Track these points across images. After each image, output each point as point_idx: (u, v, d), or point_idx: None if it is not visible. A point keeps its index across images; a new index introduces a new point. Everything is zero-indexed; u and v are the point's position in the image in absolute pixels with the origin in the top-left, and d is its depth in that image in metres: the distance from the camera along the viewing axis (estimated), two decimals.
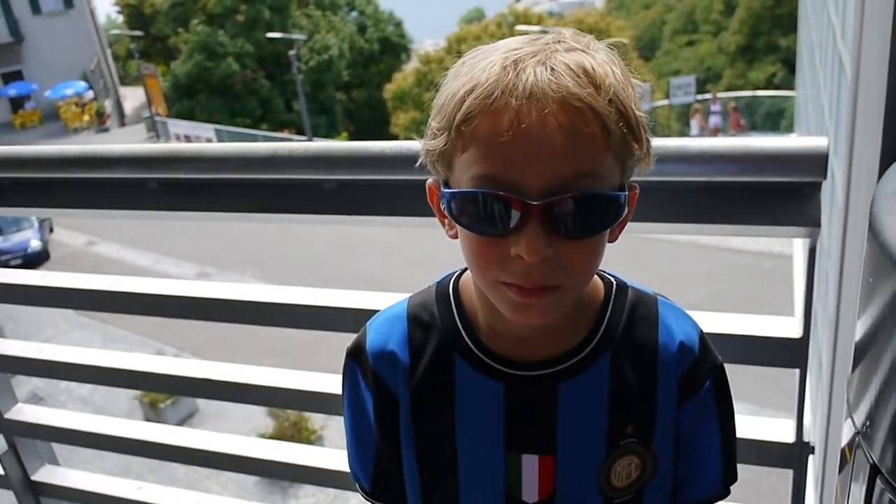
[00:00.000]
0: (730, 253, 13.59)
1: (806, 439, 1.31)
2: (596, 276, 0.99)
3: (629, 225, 1.16)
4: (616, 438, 0.97)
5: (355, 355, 1.04)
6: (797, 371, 1.26)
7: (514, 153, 0.80)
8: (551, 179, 0.80)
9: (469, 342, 0.97)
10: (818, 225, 1.09)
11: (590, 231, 0.83)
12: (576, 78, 0.80)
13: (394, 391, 1.01)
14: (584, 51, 0.85)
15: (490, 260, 0.85)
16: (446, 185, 0.89)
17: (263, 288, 1.57)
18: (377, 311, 1.07)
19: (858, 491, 0.88)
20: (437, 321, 1.00)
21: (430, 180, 0.94)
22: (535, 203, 0.80)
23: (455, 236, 0.91)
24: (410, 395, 1.00)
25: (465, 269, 1.01)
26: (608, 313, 0.98)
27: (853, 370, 0.90)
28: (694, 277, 12.86)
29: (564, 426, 0.96)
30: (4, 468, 2.03)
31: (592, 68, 0.82)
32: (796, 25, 23.08)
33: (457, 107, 0.83)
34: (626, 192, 0.86)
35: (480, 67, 0.83)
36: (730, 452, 1.04)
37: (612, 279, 1.01)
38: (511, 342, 0.96)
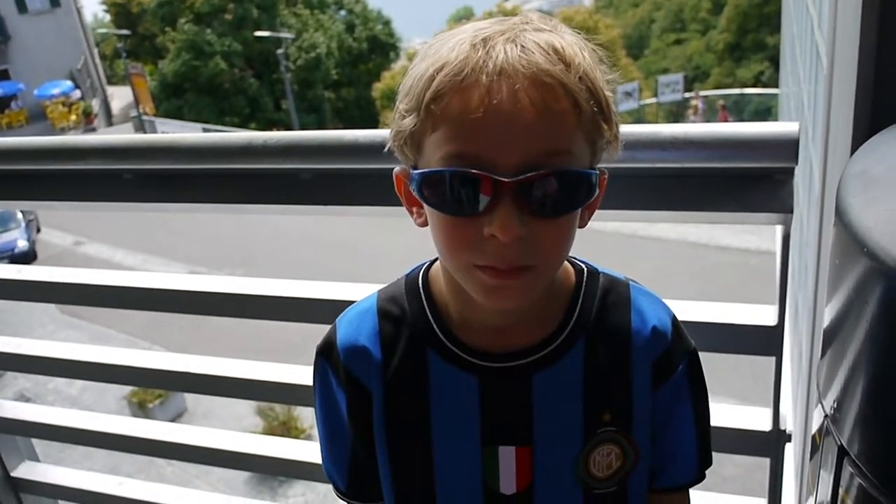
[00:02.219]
0: (717, 250, 13.64)
1: (783, 427, 1.31)
2: (567, 262, 0.99)
3: (603, 212, 1.17)
4: (593, 426, 0.96)
5: (325, 353, 1.02)
6: (774, 359, 1.26)
7: (486, 130, 0.79)
8: (523, 156, 0.79)
9: (441, 335, 0.96)
10: (790, 211, 1.09)
11: (562, 209, 0.83)
12: (546, 55, 0.80)
13: (367, 386, 0.99)
14: (552, 31, 0.85)
15: (462, 242, 0.83)
16: (415, 168, 0.87)
17: (245, 280, 1.56)
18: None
19: (828, 475, 0.88)
20: (407, 314, 0.99)
21: (397, 169, 0.93)
22: (507, 180, 0.79)
23: (424, 224, 0.90)
24: (384, 390, 0.99)
25: (435, 261, 1.00)
26: (580, 300, 0.97)
27: (822, 356, 0.91)
28: (682, 275, 12.89)
29: (540, 416, 0.95)
30: None
31: (562, 47, 0.82)
32: None
33: (426, 86, 0.82)
34: (597, 173, 0.86)
35: (449, 47, 0.82)
36: (704, 437, 1.04)
37: (583, 265, 1.01)
38: (484, 333, 0.95)
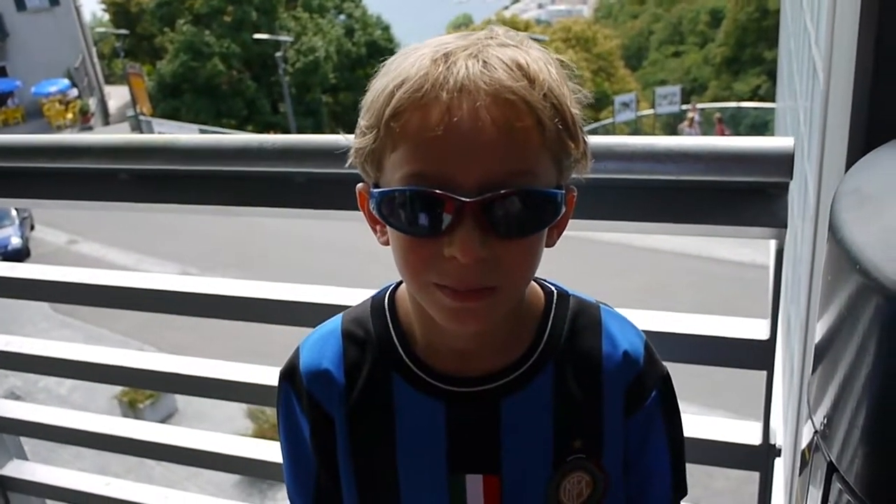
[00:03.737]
0: (713, 262, 13.66)
1: (772, 442, 1.31)
2: (536, 285, 0.97)
3: (596, 222, 1.16)
4: (562, 454, 0.94)
5: (289, 377, 0.99)
6: (765, 374, 1.26)
7: (446, 149, 0.77)
8: (485, 176, 0.77)
9: (406, 359, 0.93)
10: (784, 226, 1.10)
11: (526, 230, 0.81)
12: (509, 71, 0.78)
13: (329, 412, 0.96)
14: (517, 46, 0.83)
15: (422, 262, 0.81)
16: (376, 186, 0.85)
17: (238, 283, 1.56)
18: (350, 307, 1.03)
19: (816, 491, 0.88)
20: (372, 337, 0.96)
21: (359, 185, 0.91)
22: (468, 200, 0.77)
23: (387, 243, 0.88)
24: (347, 417, 0.95)
25: (402, 282, 0.97)
26: (549, 323, 0.95)
27: (813, 371, 0.91)
28: (677, 287, 12.91)
29: (508, 443, 0.93)
30: None
31: (526, 63, 0.80)
32: None
33: (385, 102, 0.80)
34: (563, 192, 0.84)
35: (410, 62, 0.80)
36: (679, 464, 1.01)
37: (553, 288, 0.98)
38: (450, 357, 0.92)
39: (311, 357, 0.97)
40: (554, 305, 0.96)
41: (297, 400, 0.98)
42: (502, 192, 0.77)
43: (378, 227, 0.89)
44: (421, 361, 0.93)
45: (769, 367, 1.22)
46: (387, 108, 0.80)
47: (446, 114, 0.76)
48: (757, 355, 1.22)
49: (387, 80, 0.82)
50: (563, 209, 0.84)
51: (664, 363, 1.00)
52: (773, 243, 1.20)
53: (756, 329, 1.23)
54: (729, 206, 1.10)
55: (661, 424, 0.98)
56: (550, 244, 0.88)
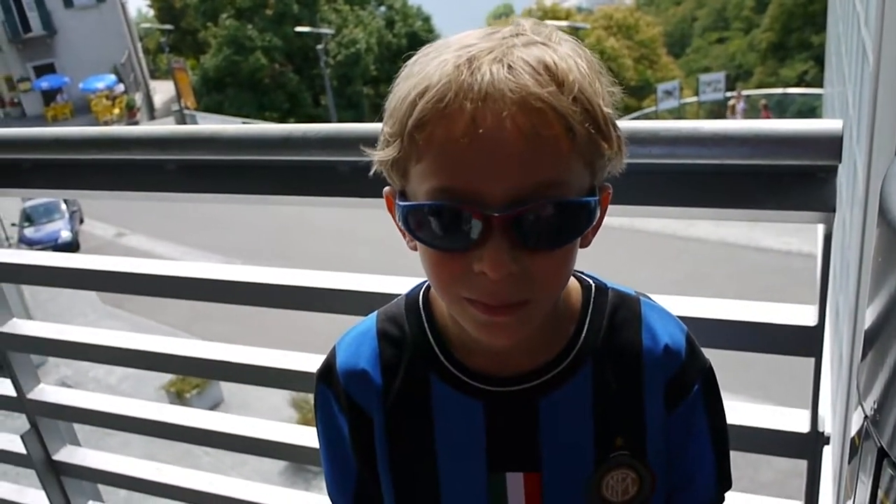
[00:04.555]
0: (757, 252, 13.46)
1: (821, 429, 1.29)
2: (573, 278, 0.95)
3: (641, 208, 1.15)
4: (604, 451, 0.92)
5: (325, 377, 0.99)
6: (813, 360, 1.24)
7: (472, 162, 0.74)
8: (514, 189, 0.74)
9: (443, 358, 0.92)
10: (833, 210, 1.08)
11: (558, 242, 0.78)
12: (536, 76, 0.74)
13: (368, 412, 0.95)
14: (544, 44, 0.78)
15: (452, 276, 0.79)
16: (402, 195, 0.83)
17: (281, 271, 1.58)
18: (394, 295, 1.02)
19: (867, 478, 0.87)
20: (407, 336, 0.95)
21: (386, 189, 0.88)
22: (496, 215, 0.74)
23: (415, 248, 0.85)
24: (385, 416, 0.95)
25: None
26: (588, 319, 0.92)
27: (863, 357, 0.89)
28: (720, 277, 12.74)
29: (548, 441, 0.91)
30: (27, 447, 2.05)
31: (554, 63, 0.76)
32: None
33: (408, 111, 0.77)
34: (597, 197, 0.81)
35: (433, 67, 0.77)
36: (723, 458, 0.99)
37: (591, 281, 0.96)
38: (486, 357, 0.91)
39: (347, 357, 0.97)
40: (592, 300, 0.94)
41: (335, 400, 0.98)
42: (532, 204, 0.75)
43: (408, 234, 0.88)
44: (457, 361, 0.92)
45: (817, 353, 1.20)
46: (409, 119, 0.76)
47: (471, 124, 0.73)
48: (805, 342, 1.20)
49: (409, 85, 0.78)
50: (598, 213, 0.81)
51: (708, 352, 0.99)
52: (820, 228, 1.18)
53: (804, 315, 1.21)
54: (776, 190, 1.08)
55: (704, 418, 0.96)
56: (585, 245, 0.85)
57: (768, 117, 21.60)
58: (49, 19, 35.50)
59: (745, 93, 24.82)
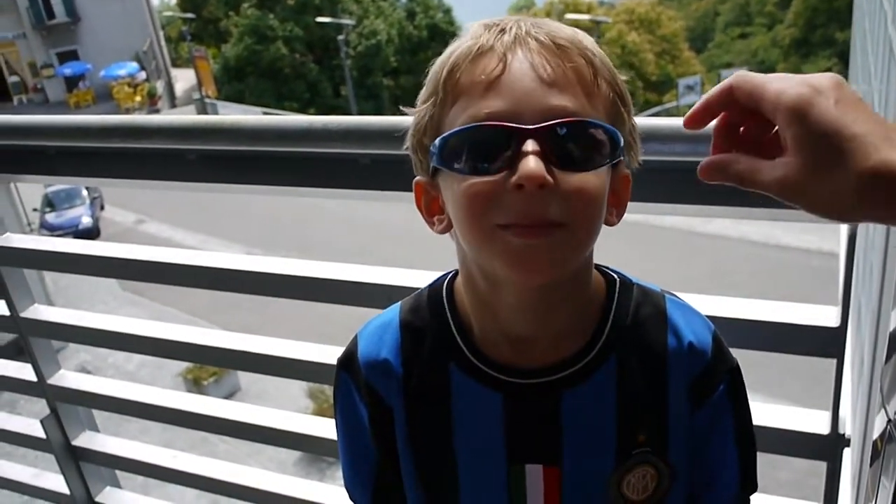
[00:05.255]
0: (778, 250, 13.38)
1: (841, 431, 1.28)
2: (598, 272, 0.94)
3: (660, 205, 1.14)
4: (626, 448, 0.91)
5: (347, 366, 0.99)
6: (834, 362, 1.23)
7: (504, 89, 0.78)
8: (545, 110, 0.78)
9: (465, 349, 0.92)
10: None
11: (586, 162, 0.79)
12: (559, 30, 0.82)
13: (388, 402, 0.95)
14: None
15: (485, 201, 0.78)
16: (431, 174, 0.87)
17: (302, 262, 1.58)
18: (415, 288, 1.02)
19: (889, 482, 0.86)
20: (429, 327, 0.95)
21: (416, 178, 0.91)
22: (529, 128, 0.76)
23: (444, 230, 0.88)
24: (405, 406, 0.95)
25: (457, 273, 0.95)
26: (612, 313, 0.91)
27: (887, 360, 0.88)
28: (741, 274, 12.68)
29: (569, 436, 0.90)
30: (46, 432, 2.08)
31: (574, 32, 0.83)
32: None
33: (441, 66, 0.83)
34: (621, 135, 0.82)
35: (463, 38, 0.84)
36: (748, 459, 0.97)
37: (616, 276, 0.95)
38: (509, 347, 0.90)
39: (369, 346, 0.97)
40: (617, 294, 0.93)
41: (355, 389, 0.98)
42: (562, 120, 0.77)
43: (436, 218, 0.89)
44: (479, 352, 0.91)
45: (839, 355, 1.19)
46: (443, 70, 0.82)
47: (502, 59, 0.79)
48: (826, 343, 1.19)
49: (442, 58, 0.85)
50: (622, 155, 0.82)
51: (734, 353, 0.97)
52: (844, 229, 1.17)
53: (826, 316, 1.20)
54: None
55: (730, 418, 0.95)
56: (611, 222, 0.87)
57: None
58: (73, 6, 35.76)
59: None
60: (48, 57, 35.92)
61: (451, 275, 0.97)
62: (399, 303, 1.00)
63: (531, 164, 0.75)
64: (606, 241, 0.89)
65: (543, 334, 0.88)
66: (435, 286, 0.98)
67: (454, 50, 0.82)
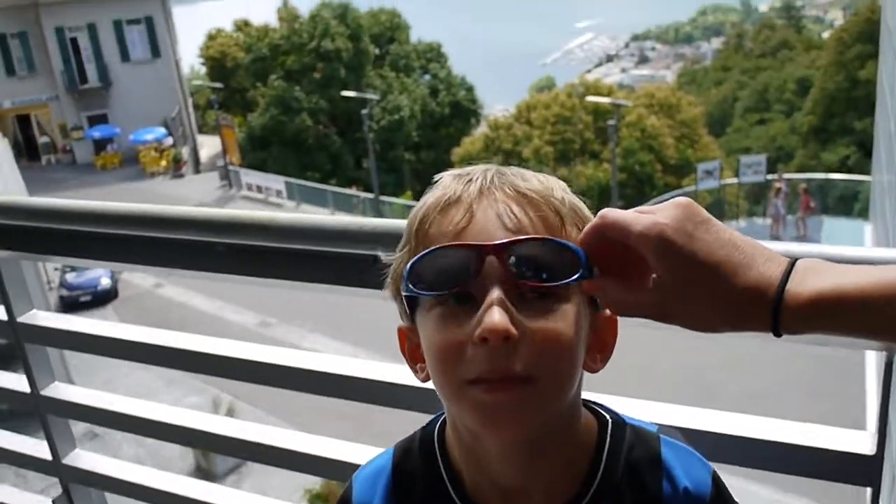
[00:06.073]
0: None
1: None
2: (588, 412, 0.92)
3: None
4: None
5: None
6: (868, 490, 1.20)
7: (469, 237, 0.80)
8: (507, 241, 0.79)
9: (455, 497, 0.90)
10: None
11: (551, 278, 0.79)
12: (524, 179, 0.85)
13: None
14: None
15: (453, 357, 0.78)
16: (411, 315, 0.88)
17: (328, 358, 1.57)
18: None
19: None
20: (421, 474, 0.93)
21: (399, 324, 0.92)
22: (490, 244, 0.78)
23: (426, 379, 0.87)
24: None
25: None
26: (604, 458, 0.88)
27: None
28: (762, 363, 12.53)
29: None
30: None
31: (543, 180, 0.86)
32: (872, 108, 22.73)
33: (414, 216, 0.86)
34: (586, 258, 0.81)
35: (435, 188, 0.87)
36: None
37: (608, 416, 0.92)
38: (497, 498, 0.87)
39: (362, 493, 0.97)
40: (608, 437, 0.90)
41: None
42: (524, 237, 0.79)
43: (418, 366, 0.90)
44: (469, 501, 0.89)
45: (875, 483, 1.16)
46: (415, 220, 0.86)
47: (468, 210, 0.82)
48: (860, 471, 1.16)
49: (415, 207, 0.88)
50: (587, 273, 0.80)
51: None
52: (875, 355, 1.15)
53: (860, 442, 1.17)
54: None
55: None
56: (592, 369, 0.86)
57: (808, 202, 21.41)
58: (106, 72, 36.76)
59: (786, 176, 24.74)
60: (79, 119, 36.79)
61: (443, 418, 0.95)
62: (394, 445, 1.00)
63: (495, 316, 0.75)
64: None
65: (533, 484, 0.86)
66: (428, 429, 0.97)
67: (426, 201, 0.86)
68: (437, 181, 0.88)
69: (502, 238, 0.79)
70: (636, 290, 0.79)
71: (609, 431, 0.90)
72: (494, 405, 0.77)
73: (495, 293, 0.76)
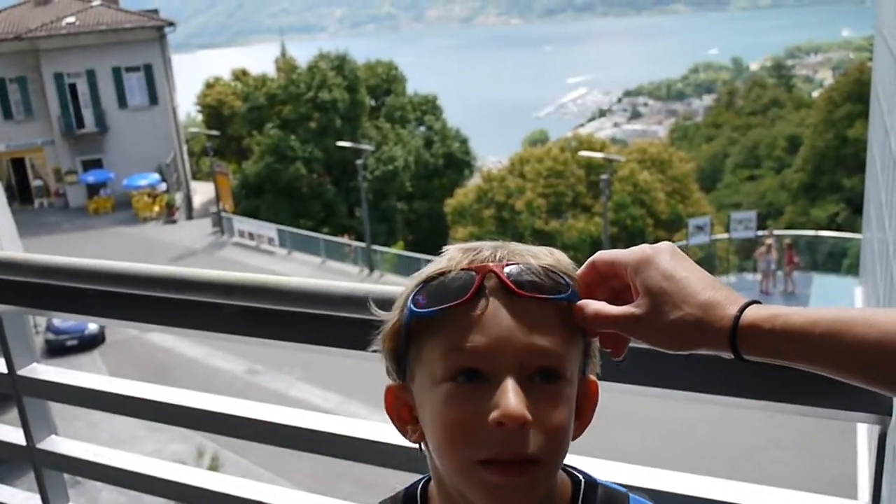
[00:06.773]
0: None
1: None
2: (563, 472, 0.94)
3: (671, 392, 1.15)
4: None
5: None
6: None
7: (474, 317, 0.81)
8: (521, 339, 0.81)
9: None
10: (890, 413, 1.07)
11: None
12: (535, 255, 0.87)
13: None
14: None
15: (464, 437, 0.80)
16: (401, 376, 0.89)
17: (318, 416, 1.58)
18: None
19: None
20: None
21: (388, 384, 0.92)
22: (493, 264, 0.83)
23: (419, 439, 0.89)
24: None
25: (430, 479, 0.95)
26: None
27: None
28: (751, 420, 12.48)
29: None
30: None
31: (548, 254, 0.88)
32: (861, 166, 23.01)
33: (412, 284, 0.87)
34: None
35: (440, 259, 0.88)
36: None
37: (581, 477, 0.95)
38: None
39: None
40: (581, 497, 0.92)
41: None
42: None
43: (409, 427, 0.90)
44: None
45: None
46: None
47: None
48: None
49: (419, 272, 0.89)
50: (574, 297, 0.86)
51: None
52: (866, 429, 1.16)
53: None
54: (831, 388, 1.07)
55: None
56: (574, 436, 0.88)
57: (791, 258, 21.52)
58: (103, 117, 36.99)
59: (776, 232, 24.93)
60: (73, 164, 36.88)
61: (426, 479, 0.96)
62: None
63: (512, 402, 0.77)
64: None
65: None
66: (410, 491, 0.97)
67: (429, 268, 0.87)
68: (443, 252, 0.89)
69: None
70: (611, 308, 0.86)
71: (581, 492, 0.93)
72: (506, 486, 0.79)
73: (510, 381, 0.79)
